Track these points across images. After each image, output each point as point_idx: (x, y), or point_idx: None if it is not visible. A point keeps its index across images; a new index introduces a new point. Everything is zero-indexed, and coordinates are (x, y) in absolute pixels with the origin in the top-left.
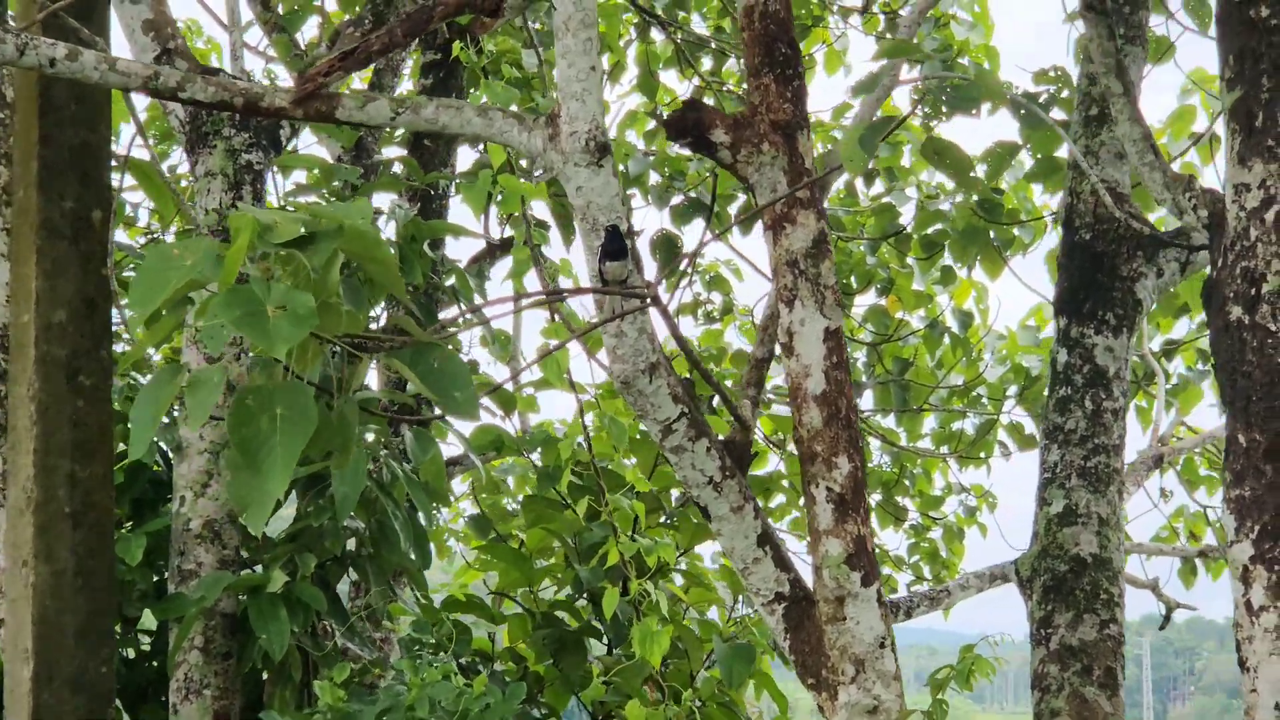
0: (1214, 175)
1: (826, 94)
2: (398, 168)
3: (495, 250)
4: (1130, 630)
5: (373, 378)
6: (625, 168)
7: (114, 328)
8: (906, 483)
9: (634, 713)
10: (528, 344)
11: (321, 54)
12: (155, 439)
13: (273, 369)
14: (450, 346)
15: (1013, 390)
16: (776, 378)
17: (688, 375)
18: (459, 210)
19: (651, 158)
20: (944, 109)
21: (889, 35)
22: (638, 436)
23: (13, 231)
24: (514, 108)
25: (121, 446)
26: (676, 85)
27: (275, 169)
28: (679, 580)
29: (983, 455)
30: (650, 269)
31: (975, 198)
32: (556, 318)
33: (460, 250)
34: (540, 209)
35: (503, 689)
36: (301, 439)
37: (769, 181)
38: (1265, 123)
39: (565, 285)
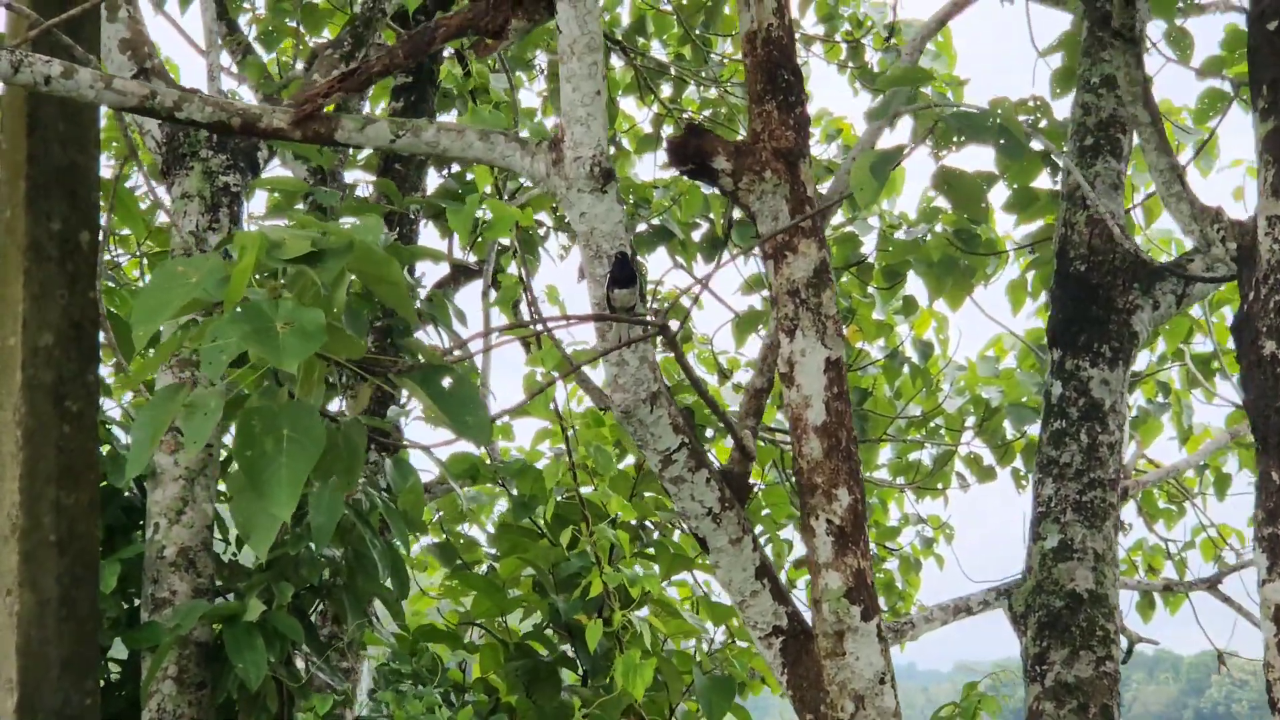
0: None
1: None
2: (363, 189)
3: (460, 275)
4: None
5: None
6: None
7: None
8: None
9: None
10: (499, 373)
11: (296, 75)
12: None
13: (273, 391)
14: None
15: (971, 421)
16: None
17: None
18: (427, 235)
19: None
20: (957, 139)
21: (850, 64)
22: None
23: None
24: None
25: None
26: (635, 112)
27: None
28: (644, 611)
29: (940, 486)
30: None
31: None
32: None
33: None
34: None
35: None
36: (308, 462)
37: (771, 210)
38: None
39: (551, 312)
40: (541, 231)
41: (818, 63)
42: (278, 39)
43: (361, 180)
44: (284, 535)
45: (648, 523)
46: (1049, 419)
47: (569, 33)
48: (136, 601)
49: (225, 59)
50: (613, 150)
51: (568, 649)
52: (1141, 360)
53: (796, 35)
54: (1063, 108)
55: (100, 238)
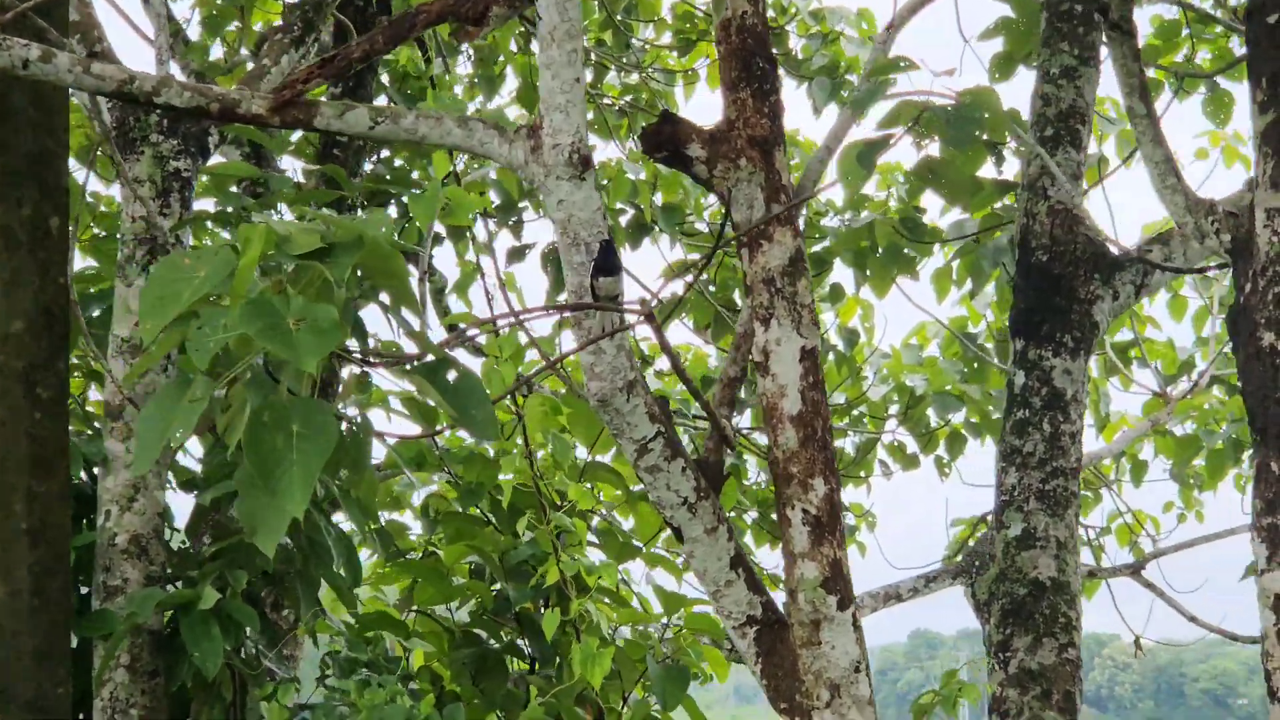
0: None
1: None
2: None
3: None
4: (945, 644)
5: None
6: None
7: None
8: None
9: None
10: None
11: (241, 60)
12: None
13: (263, 383)
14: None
15: (895, 409)
16: None
17: None
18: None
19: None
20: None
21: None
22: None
23: None
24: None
25: None
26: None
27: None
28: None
29: (863, 474)
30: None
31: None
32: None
33: None
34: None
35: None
36: (320, 458)
37: (746, 197)
38: None
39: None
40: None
41: None
42: (222, 23)
43: (292, 167)
44: (235, 523)
45: (601, 512)
46: (1012, 408)
47: (549, 20)
48: (86, 590)
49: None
50: None
51: (517, 638)
52: None
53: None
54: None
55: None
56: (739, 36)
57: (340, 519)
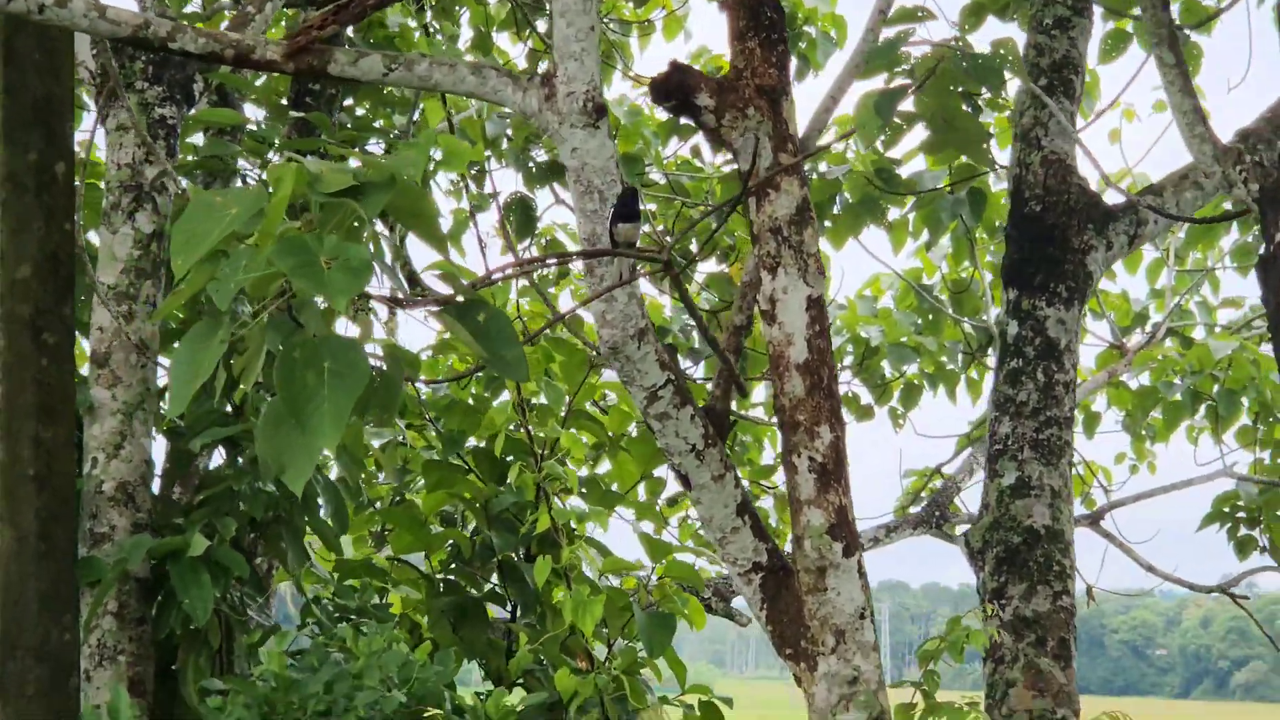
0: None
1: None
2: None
3: None
4: (913, 595)
5: None
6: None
7: None
8: (737, 450)
9: (564, 681)
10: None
11: (220, 7)
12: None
13: (284, 323)
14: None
15: (849, 360)
16: None
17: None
18: None
19: (508, 120)
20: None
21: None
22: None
23: None
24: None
25: None
26: (510, 49)
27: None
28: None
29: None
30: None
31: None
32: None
33: None
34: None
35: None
36: (351, 396)
37: (753, 147)
38: None
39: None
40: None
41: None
42: None
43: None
44: (227, 469)
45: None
46: (1005, 358)
47: None
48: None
49: None
50: None
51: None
52: None
53: None
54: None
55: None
56: None
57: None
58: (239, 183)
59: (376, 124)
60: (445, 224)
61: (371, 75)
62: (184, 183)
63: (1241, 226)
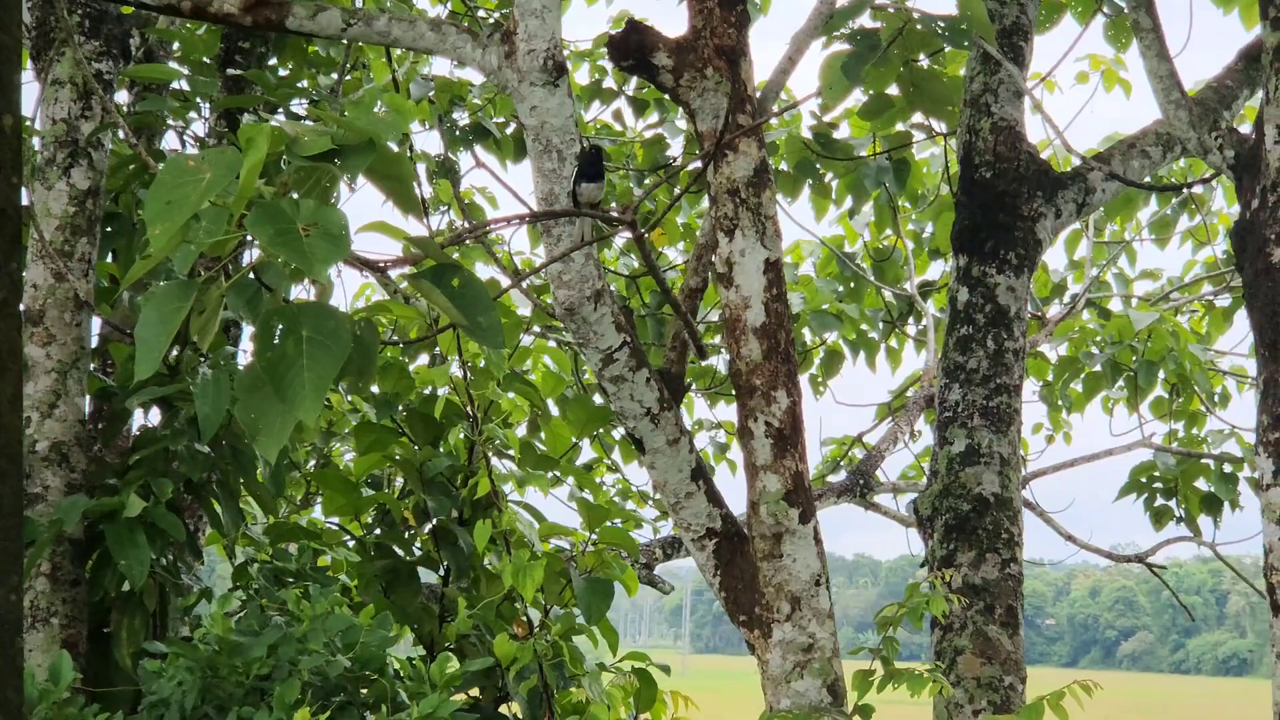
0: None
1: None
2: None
3: None
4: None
5: None
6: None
7: None
8: None
9: (503, 647)
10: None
11: None
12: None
13: (248, 286)
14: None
15: None
16: None
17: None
18: None
19: (432, 82)
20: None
21: None
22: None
23: None
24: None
25: None
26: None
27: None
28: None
29: (734, 392)
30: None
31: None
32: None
33: None
34: None
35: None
36: (334, 364)
37: (711, 107)
38: None
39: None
40: None
41: None
42: None
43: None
44: (164, 430)
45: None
46: (955, 324)
47: None
48: None
49: None
50: None
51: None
52: (936, 270)
53: None
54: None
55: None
56: None
57: None
58: (170, 140)
59: (301, 84)
60: None
61: (329, 30)
62: (121, 136)
63: (1160, 200)
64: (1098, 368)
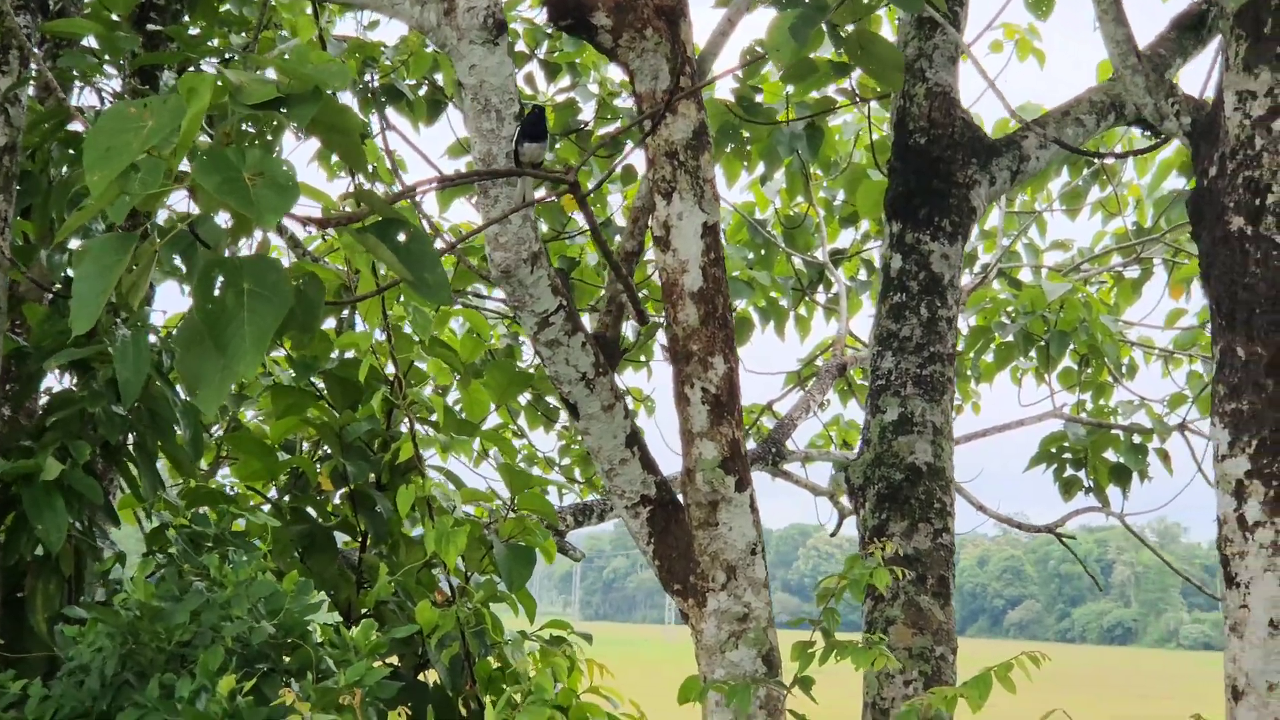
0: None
1: None
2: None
3: None
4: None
5: None
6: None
7: None
8: None
9: (425, 614)
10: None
11: None
12: None
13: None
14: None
15: None
16: None
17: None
18: None
19: (344, 43)
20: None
21: None
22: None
23: None
24: None
25: None
26: None
27: None
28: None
29: (643, 359)
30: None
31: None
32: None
33: None
34: None
35: None
36: (275, 318)
37: (651, 68)
38: (1274, 29)
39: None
40: None
41: None
42: None
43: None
44: (82, 391)
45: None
46: (888, 292)
47: None
48: None
49: None
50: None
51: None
52: (845, 238)
53: None
54: None
55: None
56: None
57: None
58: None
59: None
60: None
61: None
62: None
63: (1071, 171)
64: (1009, 338)
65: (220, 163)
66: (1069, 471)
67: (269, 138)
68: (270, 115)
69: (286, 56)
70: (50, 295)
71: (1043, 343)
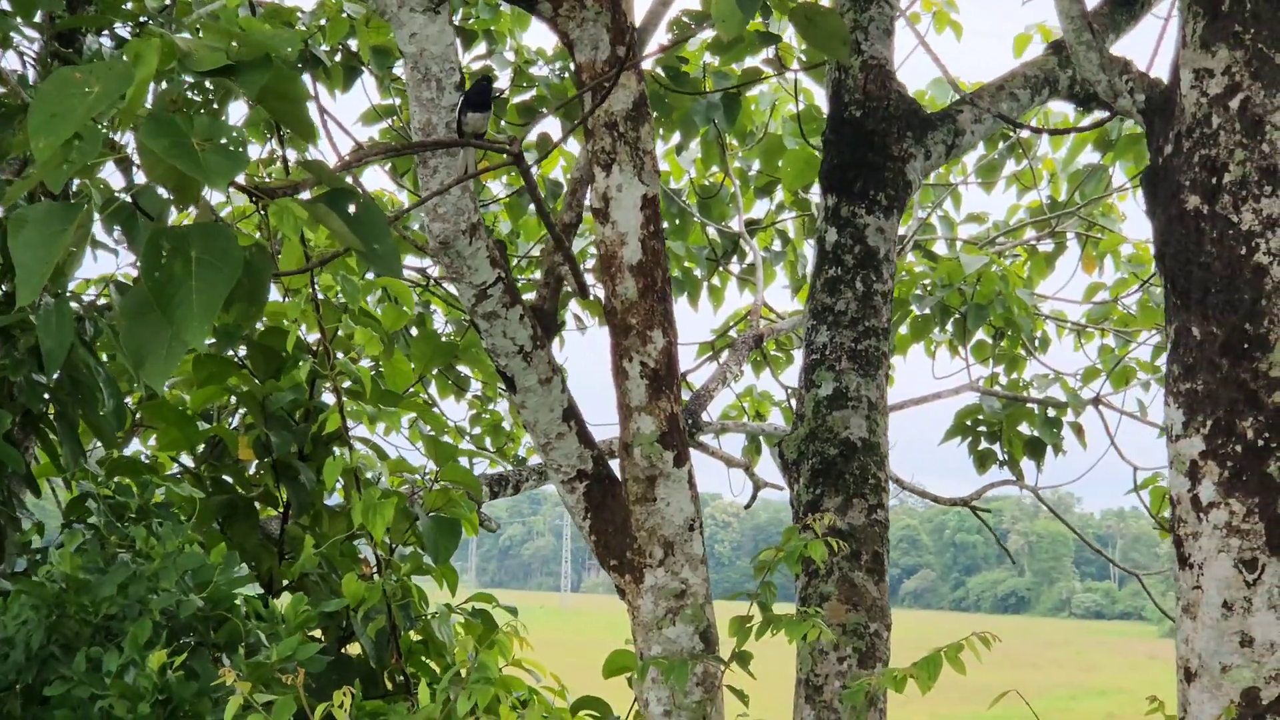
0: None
1: None
2: None
3: None
4: (550, 500)
5: None
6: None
7: None
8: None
9: (352, 587)
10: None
11: None
12: None
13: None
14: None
15: (592, 263)
16: None
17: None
18: None
19: (260, 8)
20: None
21: None
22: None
23: None
24: None
25: None
26: None
27: None
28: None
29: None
30: None
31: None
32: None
33: None
34: None
35: None
36: (224, 286)
37: (591, 38)
38: (1232, 7)
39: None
40: None
41: None
42: None
43: None
44: (3, 359)
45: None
46: (823, 265)
47: None
48: None
49: None
50: None
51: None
52: (760, 208)
53: None
54: None
55: None
56: None
57: None
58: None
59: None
60: None
61: None
62: None
63: (988, 144)
64: (926, 311)
65: (168, 127)
66: (984, 445)
67: (214, 106)
68: (219, 83)
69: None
70: None
71: (959, 315)
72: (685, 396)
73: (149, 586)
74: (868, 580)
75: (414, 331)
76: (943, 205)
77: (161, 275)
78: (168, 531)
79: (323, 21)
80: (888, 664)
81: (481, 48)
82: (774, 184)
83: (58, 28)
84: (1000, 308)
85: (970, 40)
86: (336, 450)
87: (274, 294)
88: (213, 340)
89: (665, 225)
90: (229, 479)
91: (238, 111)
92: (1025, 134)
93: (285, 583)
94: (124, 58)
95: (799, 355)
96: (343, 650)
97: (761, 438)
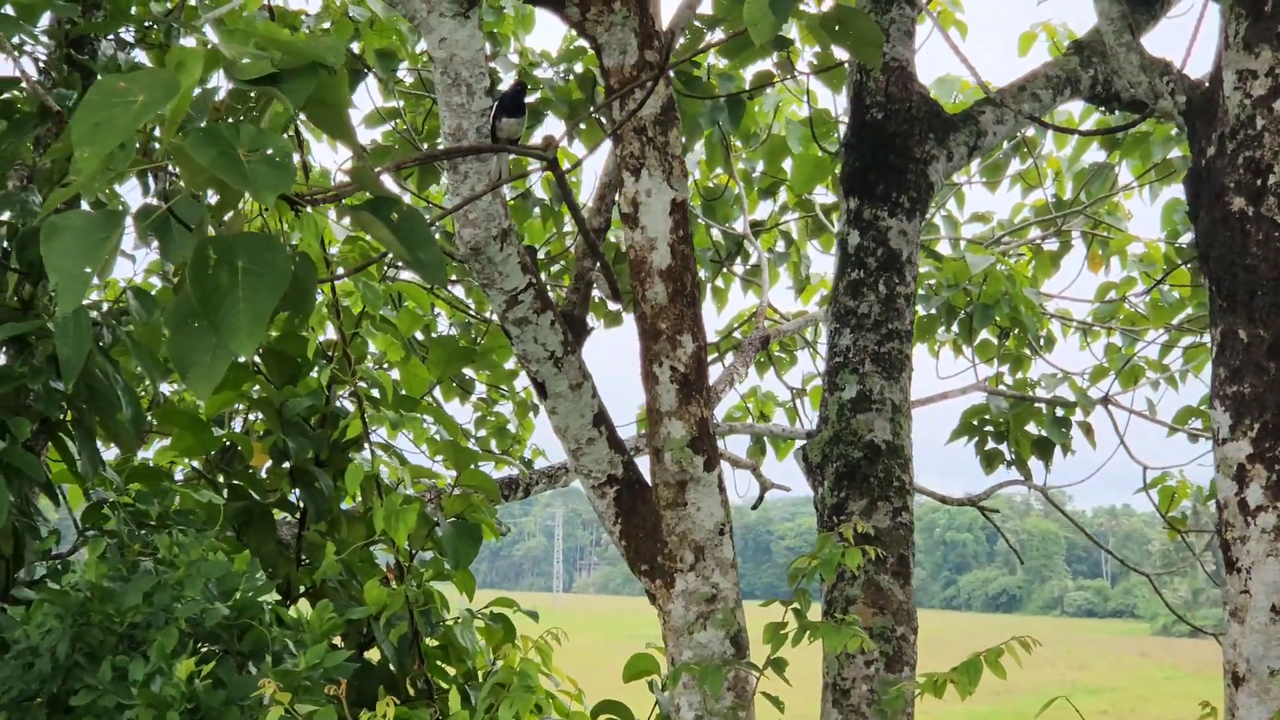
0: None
1: None
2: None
3: None
4: (540, 501)
5: None
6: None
7: None
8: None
9: (374, 593)
10: None
11: None
12: None
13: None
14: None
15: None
16: None
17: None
18: None
19: (266, 14)
20: None
21: None
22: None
23: None
24: None
25: None
26: None
27: None
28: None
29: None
30: None
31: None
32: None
33: None
34: None
35: None
36: (272, 297)
37: (619, 42)
38: (1275, 8)
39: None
40: None
41: None
42: None
43: None
44: (21, 367)
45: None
46: (845, 268)
47: None
48: None
49: None
50: None
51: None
52: (764, 209)
53: None
54: None
55: None
56: None
57: None
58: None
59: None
60: None
61: None
62: None
63: None
64: (931, 311)
65: (214, 137)
66: (990, 444)
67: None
68: (262, 91)
69: (226, 24)
70: None
71: (965, 315)
72: None
73: (174, 595)
74: (894, 584)
75: (419, 336)
76: (946, 204)
77: (208, 285)
78: (190, 539)
79: (327, 24)
80: (914, 668)
81: (485, 50)
82: (778, 185)
83: (71, 34)
84: (1007, 307)
85: (972, 40)
86: (355, 456)
87: None
88: None
89: None
90: (247, 485)
91: None
92: (1031, 132)
93: (303, 589)
94: (166, 65)
95: (803, 356)
96: (363, 656)
97: (766, 438)
